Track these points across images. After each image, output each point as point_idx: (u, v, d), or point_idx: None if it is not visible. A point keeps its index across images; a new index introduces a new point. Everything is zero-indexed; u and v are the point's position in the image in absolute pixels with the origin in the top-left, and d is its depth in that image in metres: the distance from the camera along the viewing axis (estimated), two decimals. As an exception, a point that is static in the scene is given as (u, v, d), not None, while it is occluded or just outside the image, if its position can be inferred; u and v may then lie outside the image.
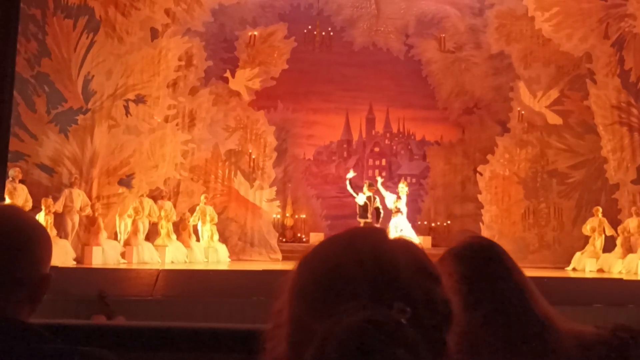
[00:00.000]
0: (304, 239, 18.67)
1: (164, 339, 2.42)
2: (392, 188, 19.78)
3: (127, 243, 14.51)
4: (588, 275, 14.48)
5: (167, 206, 15.33)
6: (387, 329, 0.83)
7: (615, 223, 15.55)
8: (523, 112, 17.63)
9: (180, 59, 16.16)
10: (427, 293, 0.91)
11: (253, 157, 17.88)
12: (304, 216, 19.12)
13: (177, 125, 16.23)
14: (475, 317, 1.46)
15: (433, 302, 0.91)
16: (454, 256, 1.61)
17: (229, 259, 16.12)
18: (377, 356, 0.81)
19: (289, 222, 18.92)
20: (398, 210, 14.72)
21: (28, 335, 1.37)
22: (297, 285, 0.96)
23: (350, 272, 0.92)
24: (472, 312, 1.44)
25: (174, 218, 15.41)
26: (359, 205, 15.00)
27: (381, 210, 14.89)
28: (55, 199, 13.42)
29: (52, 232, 12.85)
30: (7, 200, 11.42)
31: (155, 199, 15.28)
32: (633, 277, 13.63)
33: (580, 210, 16.84)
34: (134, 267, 13.39)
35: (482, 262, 1.61)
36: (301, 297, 0.94)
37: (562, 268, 15.60)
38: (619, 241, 15.28)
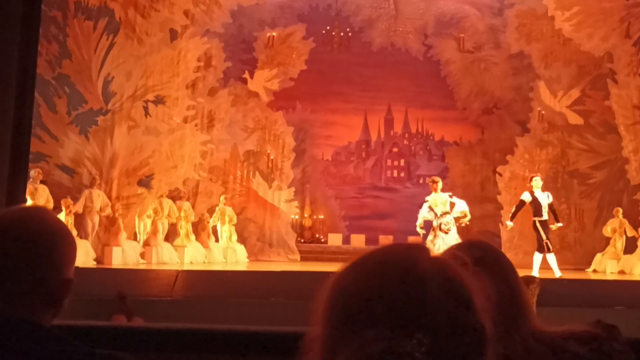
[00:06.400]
0: (323, 240, 18.67)
1: (183, 341, 2.42)
2: (411, 188, 19.77)
3: (146, 243, 14.59)
4: (609, 276, 14.33)
5: (186, 207, 15.39)
6: None
7: (636, 224, 15.38)
8: (543, 112, 17.49)
9: (199, 60, 16.22)
10: (455, 322, 0.90)
11: (271, 157, 17.91)
12: (322, 217, 19.12)
13: (196, 126, 16.30)
14: None
15: (460, 332, 0.90)
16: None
17: (247, 260, 16.16)
18: None
19: (307, 222, 18.93)
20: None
21: (48, 339, 1.37)
22: (328, 303, 0.96)
23: (376, 298, 0.91)
24: None
25: (193, 218, 15.47)
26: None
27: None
28: (76, 200, 13.52)
29: (73, 232, 12.93)
30: (29, 201, 11.53)
31: (174, 199, 15.36)
32: (655, 279, 13.49)
33: (601, 211, 16.66)
34: (153, 267, 13.46)
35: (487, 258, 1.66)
36: (329, 317, 0.93)
37: (583, 269, 15.46)
38: (640, 242, 15.13)
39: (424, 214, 12.63)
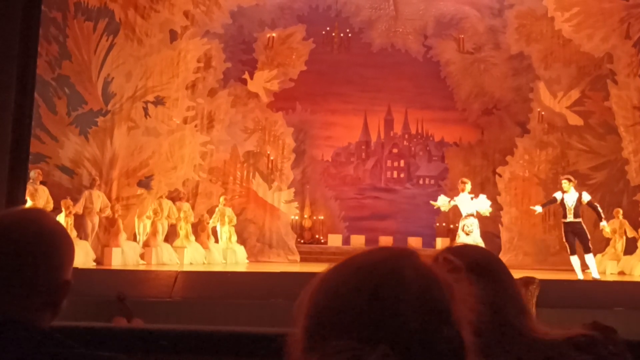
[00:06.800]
0: (322, 241, 18.67)
1: (182, 343, 2.42)
2: (411, 189, 19.77)
3: (146, 244, 14.58)
4: (609, 277, 14.31)
5: (186, 207, 15.39)
6: None
7: (636, 225, 15.38)
8: (543, 113, 17.49)
9: (199, 61, 16.22)
10: (427, 334, 0.88)
11: (271, 158, 17.91)
12: (322, 217, 19.12)
13: (195, 126, 16.29)
14: None
15: (432, 344, 0.88)
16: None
17: (247, 261, 16.15)
18: None
19: (307, 223, 18.92)
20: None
21: (46, 341, 1.36)
22: (306, 306, 0.94)
23: (348, 305, 0.89)
24: None
25: (193, 219, 15.46)
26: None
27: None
28: (76, 201, 13.52)
29: (72, 233, 12.94)
30: (29, 202, 11.53)
31: (173, 200, 15.35)
32: (655, 280, 13.48)
33: (601, 211, 16.66)
34: (153, 268, 13.45)
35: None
36: (304, 321, 0.92)
37: (583, 270, 15.44)
38: (640, 243, 15.13)
39: (444, 201, 12.76)
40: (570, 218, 12.46)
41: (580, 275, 12.47)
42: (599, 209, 12.95)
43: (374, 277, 0.92)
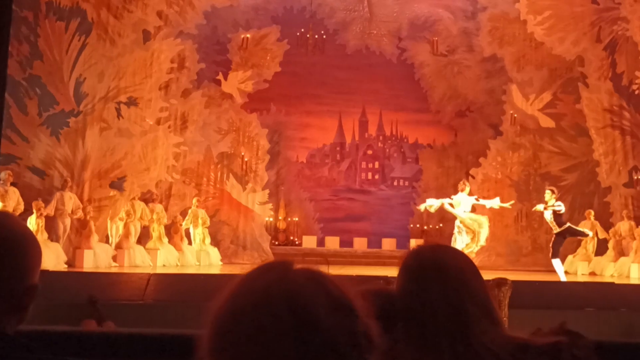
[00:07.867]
0: (297, 242, 18.66)
1: (154, 346, 2.39)
2: (385, 191, 19.84)
3: (118, 246, 14.44)
4: (580, 278, 14.47)
5: (159, 209, 15.27)
6: None
7: (607, 226, 15.59)
8: (515, 115, 17.65)
9: (172, 62, 16.12)
10: (349, 330, 0.89)
11: (245, 159, 17.83)
12: (296, 219, 19.11)
13: (169, 127, 16.18)
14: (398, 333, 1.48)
15: (355, 338, 0.89)
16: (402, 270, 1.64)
17: (220, 263, 16.06)
18: None
19: (281, 225, 18.90)
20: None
21: (12, 347, 1.34)
22: (212, 345, 0.93)
23: (271, 334, 0.88)
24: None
25: (166, 221, 15.35)
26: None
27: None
28: (47, 202, 13.35)
29: (44, 235, 12.78)
30: (-1, 204, 11.38)
31: (146, 201, 15.23)
32: (625, 281, 13.65)
33: (573, 213, 16.81)
34: (125, 270, 13.32)
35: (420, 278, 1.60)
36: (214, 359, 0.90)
37: (555, 271, 15.59)
38: (610, 244, 15.32)
39: (434, 201, 13.30)
40: (556, 230, 12.77)
41: (563, 278, 12.73)
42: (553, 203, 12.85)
43: (280, 297, 0.91)
